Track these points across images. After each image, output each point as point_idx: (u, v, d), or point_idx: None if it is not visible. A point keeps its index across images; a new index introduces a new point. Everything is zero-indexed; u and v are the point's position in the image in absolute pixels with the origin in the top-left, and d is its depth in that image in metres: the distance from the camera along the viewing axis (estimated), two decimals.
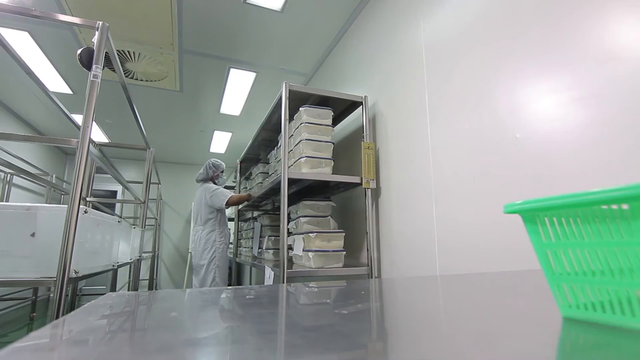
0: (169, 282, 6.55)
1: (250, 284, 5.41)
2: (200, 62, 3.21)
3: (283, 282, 1.69)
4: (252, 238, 3.17)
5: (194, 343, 0.33)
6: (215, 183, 3.14)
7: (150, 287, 5.20)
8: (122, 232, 2.28)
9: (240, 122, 4.65)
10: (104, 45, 1.35)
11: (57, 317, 1.13)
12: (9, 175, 4.21)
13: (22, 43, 2.81)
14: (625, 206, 0.30)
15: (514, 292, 0.65)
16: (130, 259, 2.59)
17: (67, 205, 1.20)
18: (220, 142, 5.53)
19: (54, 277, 1.17)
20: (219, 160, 3.14)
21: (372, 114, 2.17)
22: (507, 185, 1.21)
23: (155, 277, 5.39)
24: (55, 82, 3.46)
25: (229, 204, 2.89)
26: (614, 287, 0.33)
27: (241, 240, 3.81)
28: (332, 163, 2.00)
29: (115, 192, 6.44)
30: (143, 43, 2.86)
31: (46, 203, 4.97)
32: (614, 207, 0.31)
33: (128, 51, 2.97)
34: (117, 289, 3.80)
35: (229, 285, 4.21)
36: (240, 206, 3.56)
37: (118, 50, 2.92)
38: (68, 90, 3.65)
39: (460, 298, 0.60)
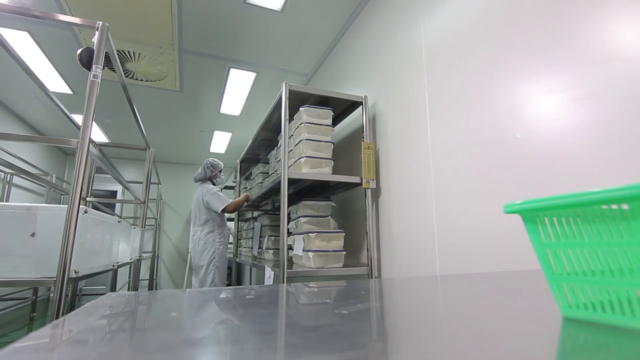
0: (169, 282, 6.55)
1: (250, 284, 5.41)
2: (200, 62, 3.21)
3: (283, 282, 1.69)
4: (252, 238, 3.16)
5: (194, 343, 0.33)
6: (213, 183, 3.12)
7: (150, 287, 5.20)
8: (122, 232, 2.28)
9: (240, 122, 4.65)
10: (104, 45, 1.35)
11: (57, 317, 1.13)
12: (9, 175, 4.21)
13: (22, 43, 2.81)
14: (625, 206, 0.30)
15: (514, 292, 0.65)
16: (130, 259, 2.59)
17: (67, 205, 1.20)
18: (220, 142, 5.53)
19: (54, 277, 1.17)
20: (217, 160, 3.11)
21: (372, 114, 2.17)
22: (507, 185, 1.21)
23: (155, 277, 5.39)
24: (55, 82, 3.46)
25: (225, 211, 2.85)
26: (614, 287, 0.33)
27: (241, 240, 3.81)
28: (332, 163, 2.00)
29: (115, 192, 6.44)
30: (143, 43, 2.86)
31: (46, 203, 4.98)
32: (614, 207, 0.31)
33: (128, 51, 2.97)
34: (117, 289, 3.80)
35: (229, 285, 4.21)
36: None
37: (118, 50, 2.92)
38: (68, 90, 3.65)
39: (460, 298, 0.60)
